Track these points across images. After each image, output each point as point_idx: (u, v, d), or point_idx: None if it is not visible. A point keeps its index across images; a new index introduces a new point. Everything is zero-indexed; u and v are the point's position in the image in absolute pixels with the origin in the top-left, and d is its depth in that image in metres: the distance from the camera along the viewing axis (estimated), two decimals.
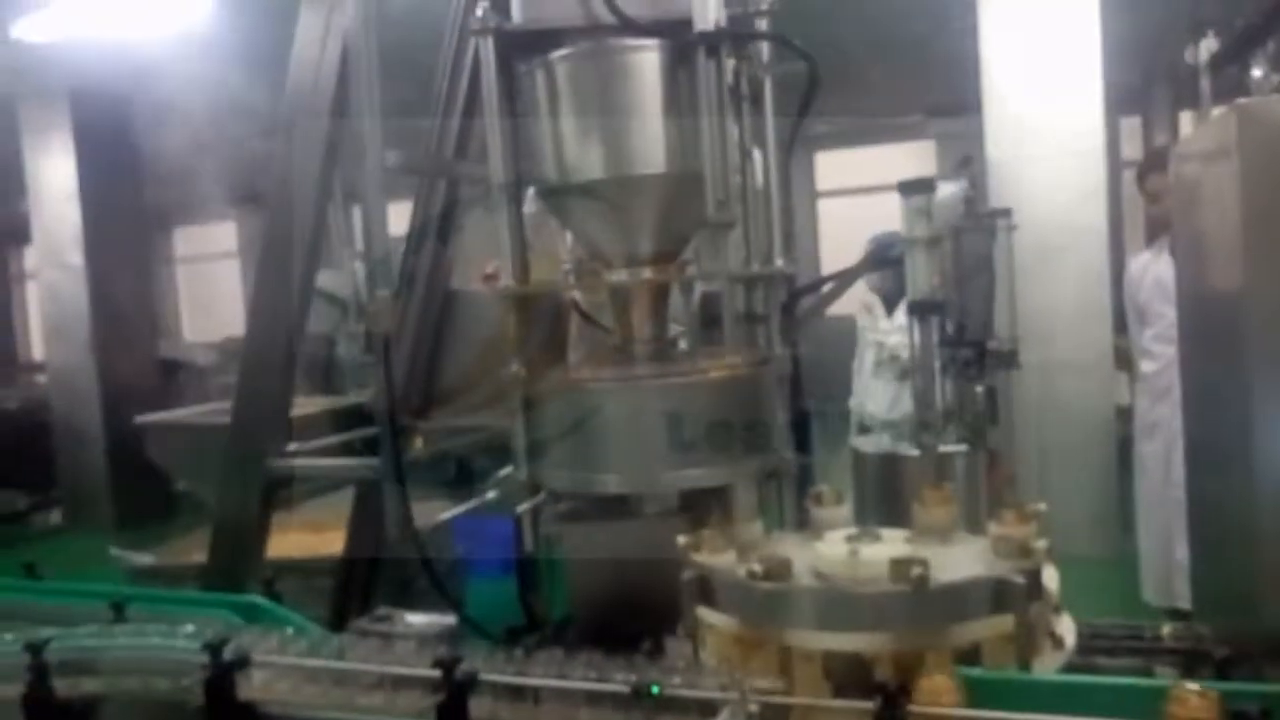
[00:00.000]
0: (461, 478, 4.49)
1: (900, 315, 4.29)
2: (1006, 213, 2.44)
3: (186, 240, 13.89)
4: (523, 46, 2.30)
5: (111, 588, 2.37)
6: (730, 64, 2.23)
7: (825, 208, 11.99)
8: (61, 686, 1.88)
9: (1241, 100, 2.07)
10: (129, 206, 8.26)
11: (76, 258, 8.00)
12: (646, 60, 2.19)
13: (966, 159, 5.57)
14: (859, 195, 10.73)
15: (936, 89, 8.75)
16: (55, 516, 8.33)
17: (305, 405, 3.51)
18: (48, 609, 2.26)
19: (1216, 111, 2.38)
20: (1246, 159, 1.99)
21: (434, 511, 3.62)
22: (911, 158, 10.80)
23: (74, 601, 2.27)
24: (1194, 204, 2.42)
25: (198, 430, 3.78)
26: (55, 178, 8.01)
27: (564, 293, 3.01)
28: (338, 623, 2.83)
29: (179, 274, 14.08)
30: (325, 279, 4.53)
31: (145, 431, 3.98)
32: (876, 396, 4.90)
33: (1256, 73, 2.64)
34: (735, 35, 2.21)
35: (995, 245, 2.42)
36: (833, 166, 11.85)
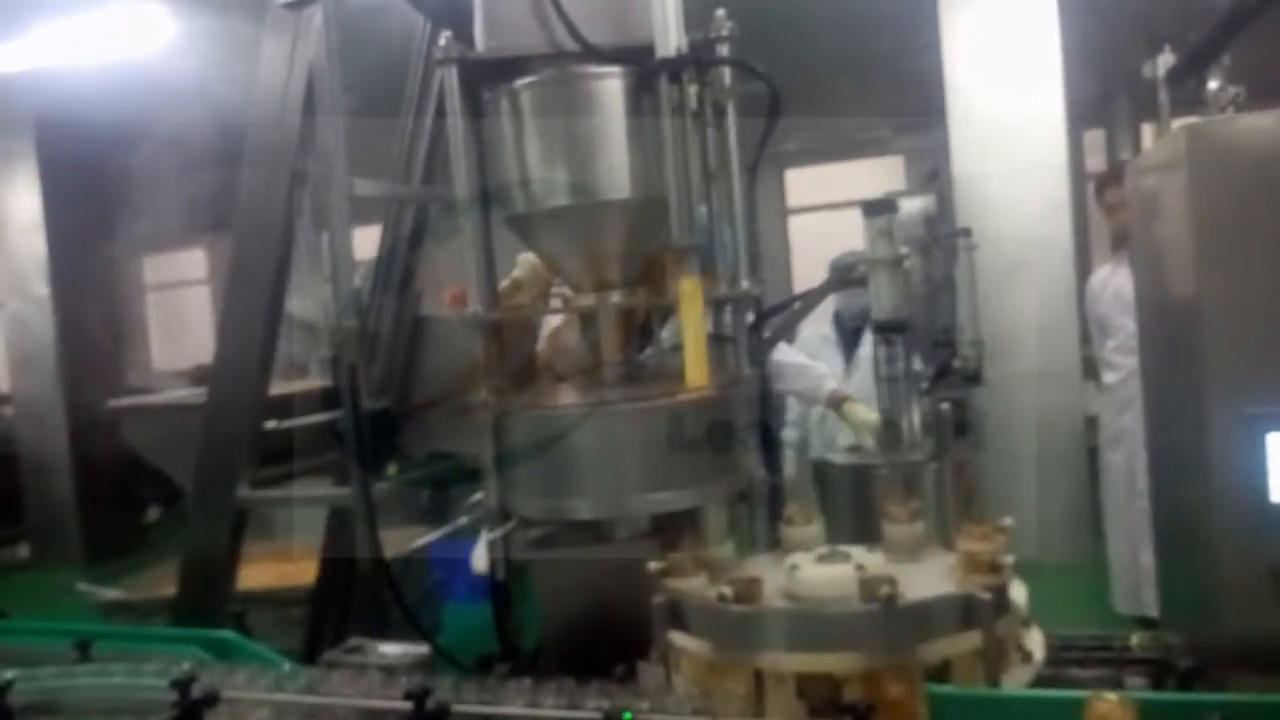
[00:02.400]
0: (436, 503, 4.46)
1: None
2: (966, 232, 2.47)
3: (155, 268, 13.77)
4: (487, 75, 2.31)
5: (77, 626, 2.33)
6: (693, 88, 2.24)
7: (796, 224, 12.06)
8: None
9: (1190, 120, 2.12)
10: (95, 236, 8.18)
11: (42, 288, 7.91)
12: (609, 87, 2.21)
13: (933, 173, 5.61)
14: (830, 211, 10.80)
15: (904, 104, 8.85)
16: (22, 551, 8.20)
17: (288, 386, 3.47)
18: (12, 649, 2.23)
19: (1176, 124, 2.43)
20: (1196, 175, 2.04)
21: (409, 538, 3.60)
22: (880, 173, 10.90)
23: (39, 640, 2.24)
24: (1151, 217, 2.47)
25: (171, 411, 3.74)
26: (20, 208, 7.93)
27: (533, 318, 3.01)
28: (310, 654, 2.80)
29: (147, 302, 13.95)
30: (296, 305, 4.49)
31: (119, 415, 3.93)
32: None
33: (1213, 85, 2.69)
34: (697, 61, 2.23)
35: (956, 264, 2.45)
36: (803, 183, 11.92)
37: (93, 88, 6.66)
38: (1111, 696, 1.46)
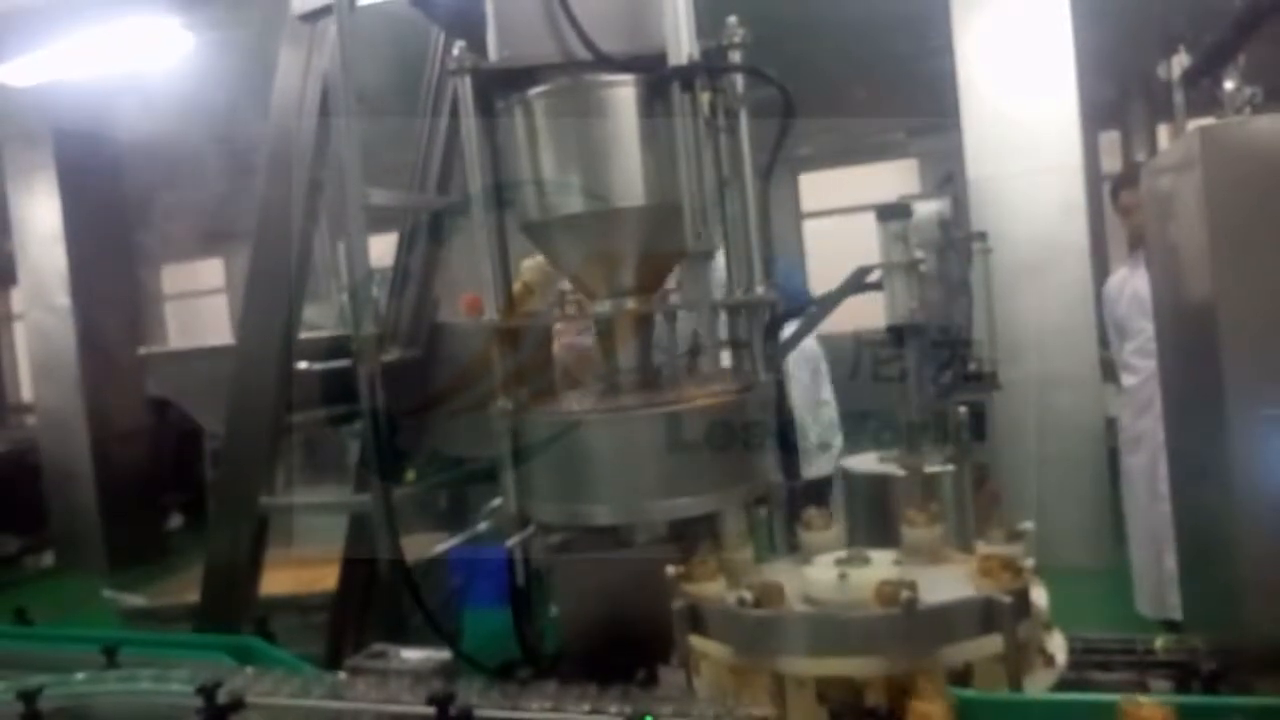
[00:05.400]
0: (455, 509, 4.47)
1: None
2: (981, 236, 2.47)
3: (174, 277, 13.91)
4: (500, 84, 2.32)
5: (103, 632, 2.36)
6: (706, 95, 2.25)
7: (811, 228, 12.04)
8: None
9: (1206, 121, 2.12)
10: (115, 246, 8.27)
11: (63, 298, 7.99)
12: (623, 95, 2.22)
13: (948, 176, 5.58)
14: (844, 215, 10.78)
15: (918, 107, 8.83)
16: (47, 559, 8.27)
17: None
18: (40, 655, 2.25)
19: (1191, 125, 2.42)
20: (1211, 177, 2.03)
21: (429, 544, 3.62)
22: (895, 176, 10.87)
23: (66, 647, 2.26)
24: (1166, 218, 2.46)
25: (199, 356, 3.82)
26: (41, 219, 8.01)
27: (550, 322, 3.03)
28: (333, 660, 2.82)
29: (167, 311, 14.09)
30: (313, 313, 4.53)
31: (149, 362, 4.06)
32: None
33: (1229, 85, 2.69)
34: (709, 68, 2.23)
35: (971, 268, 2.45)
36: (817, 187, 11.91)
37: (111, 100, 6.74)
38: (1145, 699, 1.45)
